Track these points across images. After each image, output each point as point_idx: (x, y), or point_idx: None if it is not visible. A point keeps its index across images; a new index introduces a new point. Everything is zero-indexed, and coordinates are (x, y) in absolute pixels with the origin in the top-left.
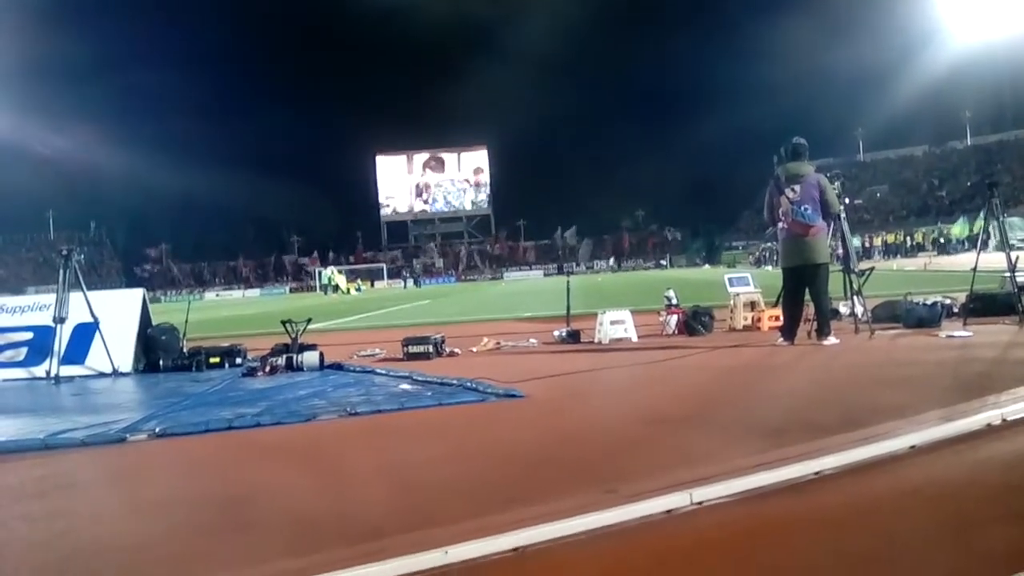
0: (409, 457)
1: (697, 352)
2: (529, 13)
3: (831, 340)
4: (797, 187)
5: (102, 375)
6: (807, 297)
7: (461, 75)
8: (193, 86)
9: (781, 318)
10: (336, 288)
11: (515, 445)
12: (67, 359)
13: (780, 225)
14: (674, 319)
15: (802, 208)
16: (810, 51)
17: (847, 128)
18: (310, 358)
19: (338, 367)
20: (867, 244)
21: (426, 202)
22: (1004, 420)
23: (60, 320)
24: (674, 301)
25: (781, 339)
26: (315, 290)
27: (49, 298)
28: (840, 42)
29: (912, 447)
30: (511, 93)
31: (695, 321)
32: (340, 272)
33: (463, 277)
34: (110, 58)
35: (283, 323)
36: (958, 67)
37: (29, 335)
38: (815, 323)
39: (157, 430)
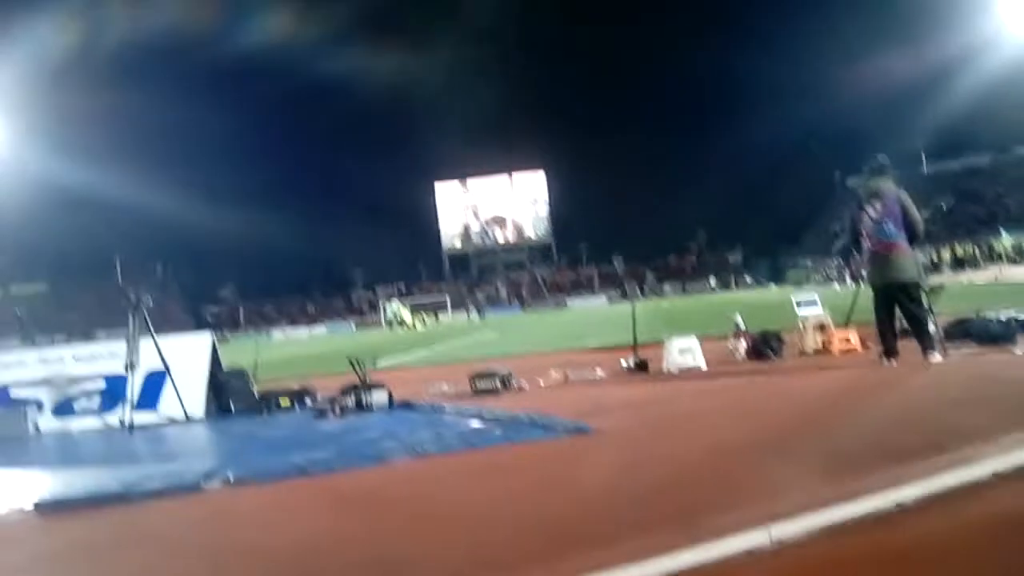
0: (481, 497)
1: (768, 378)
2: (577, 34)
3: (936, 357)
4: (878, 204)
5: (174, 422)
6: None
7: (516, 98)
8: (254, 127)
9: (878, 337)
10: (402, 322)
11: (586, 482)
12: (140, 406)
13: (864, 244)
14: (743, 344)
15: (884, 225)
16: (871, 64)
17: (909, 140)
18: (379, 398)
19: (407, 406)
20: (935, 259)
21: (488, 232)
22: None
23: (131, 367)
24: (742, 326)
25: (880, 359)
26: (381, 325)
27: (120, 345)
28: (900, 53)
29: (995, 473)
30: (568, 114)
31: (764, 346)
32: (405, 306)
33: (527, 306)
34: (173, 104)
35: (351, 362)
36: (1020, 69)
37: (102, 383)
38: (920, 341)
39: (231, 478)
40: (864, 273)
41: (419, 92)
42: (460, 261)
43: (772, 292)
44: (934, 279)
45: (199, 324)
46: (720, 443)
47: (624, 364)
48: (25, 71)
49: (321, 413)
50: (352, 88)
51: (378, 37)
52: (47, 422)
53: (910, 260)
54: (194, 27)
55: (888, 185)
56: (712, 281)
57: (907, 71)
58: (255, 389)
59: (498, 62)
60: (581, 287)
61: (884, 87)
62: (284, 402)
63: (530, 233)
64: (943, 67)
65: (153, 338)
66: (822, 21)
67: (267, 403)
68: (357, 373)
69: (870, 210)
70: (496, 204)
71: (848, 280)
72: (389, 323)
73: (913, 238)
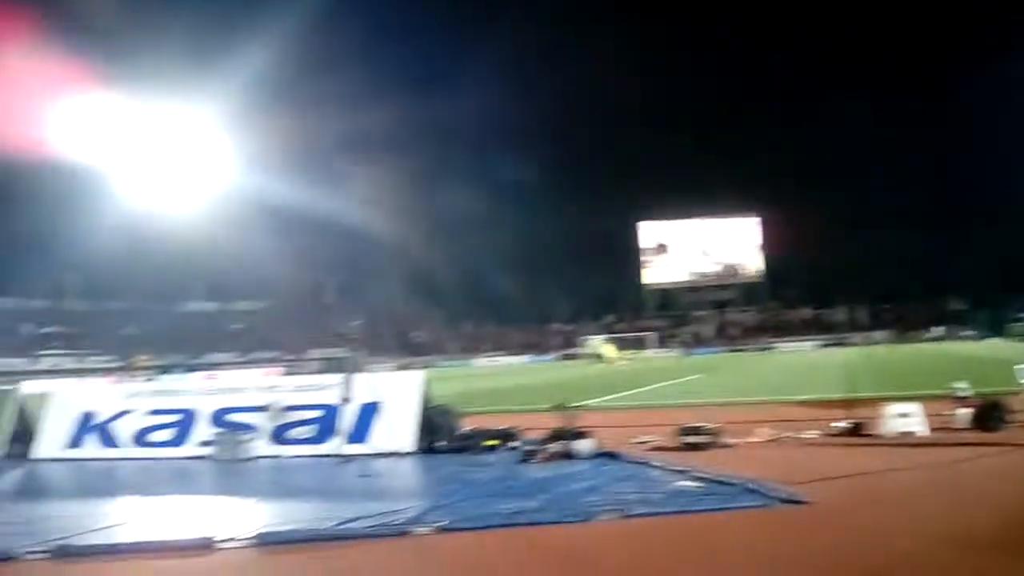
0: (694, 574)
1: (1000, 453)
2: (794, 81)
3: None
4: None
5: (384, 455)
6: None
7: (730, 138)
8: (465, 160)
9: None
10: (603, 358)
11: (807, 565)
12: (352, 438)
13: None
14: (965, 412)
15: None
16: None
17: None
18: (584, 446)
19: (612, 456)
20: None
21: (695, 270)
22: None
23: (346, 401)
24: (964, 394)
25: None
26: (582, 358)
27: (336, 378)
28: None
29: None
30: (783, 154)
31: (989, 416)
32: (608, 341)
33: (733, 347)
34: (399, 132)
35: (556, 407)
36: None
37: (318, 413)
38: None
39: (441, 524)
40: None
41: (634, 131)
42: (666, 297)
43: (993, 346)
44: None
45: (407, 348)
46: (950, 529)
47: (838, 425)
48: (257, 96)
49: (525, 457)
50: (568, 124)
51: (593, 78)
52: (263, 448)
53: None
54: (422, 63)
55: None
56: (931, 331)
57: None
58: (461, 427)
59: (715, 106)
60: (790, 330)
61: None
62: (489, 442)
63: (740, 273)
64: None
65: (368, 374)
66: None
67: (473, 442)
68: (563, 419)
69: None
70: (707, 243)
71: None
72: (591, 357)
73: None
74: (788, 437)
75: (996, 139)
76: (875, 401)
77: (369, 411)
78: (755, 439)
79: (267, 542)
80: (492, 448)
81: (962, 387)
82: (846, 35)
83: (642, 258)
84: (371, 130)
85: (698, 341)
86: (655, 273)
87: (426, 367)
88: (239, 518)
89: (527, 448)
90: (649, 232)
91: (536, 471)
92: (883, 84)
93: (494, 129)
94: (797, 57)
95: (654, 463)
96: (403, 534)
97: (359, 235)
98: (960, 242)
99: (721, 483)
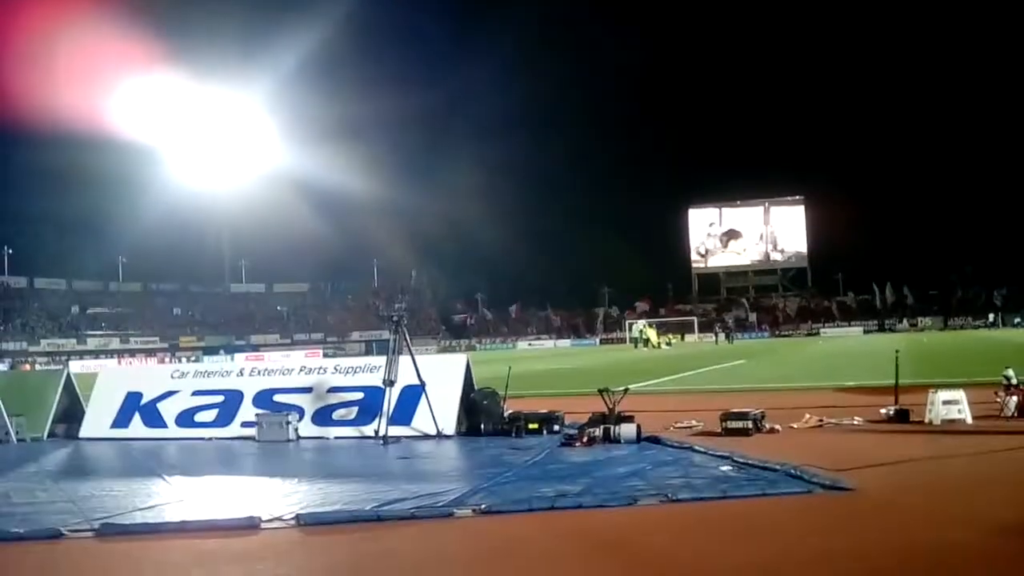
0: (736, 561)
1: None
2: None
3: None
4: None
5: (426, 437)
6: None
7: (777, 123)
8: (510, 144)
9: None
10: (647, 342)
11: (851, 554)
12: (394, 420)
13: None
14: (1014, 400)
15: None
16: None
17: None
18: (627, 430)
19: (655, 440)
20: None
21: (739, 254)
22: None
23: (390, 383)
24: (1014, 381)
25: None
26: (625, 342)
27: (379, 360)
28: None
29: None
30: (829, 142)
31: None
32: (651, 325)
33: (777, 332)
34: (438, 114)
35: (600, 391)
36: None
37: (360, 395)
38: None
39: (482, 506)
40: None
41: (678, 116)
42: (709, 282)
43: None
44: None
45: (450, 331)
46: (1001, 518)
47: (884, 412)
48: (303, 80)
49: (568, 440)
50: (620, 109)
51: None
52: (306, 429)
53: None
54: (472, 44)
55: None
56: (984, 319)
57: None
58: (504, 410)
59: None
60: (835, 316)
61: None
62: (532, 425)
63: (784, 259)
64: None
65: (412, 356)
66: None
67: (516, 425)
68: (606, 403)
69: None
70: (750, 228)
71: None
72: (634, 342)
73: None
74: (833, 423)
75: None
76: (922, 388)
77: (412, 393)
78: (799, 425)
79: (309, 523)
80: (535, 431)
81: (1010, 375)
82: (899, 22)
83: (692, 244)
84: (418, 113)
85: (742, 326)
86: (701, 257)
87: (469, 350)
88: (282, 499)
89: (569, 432)
90: (696, 218)
91: (578, 455)
92: (934, 70)
93: (544, 113)
94: (845, 41)
95: (697, 448)
96: (445, 516)
97: (404, 217)
98: (1012, 229)
99: (764, 468)
